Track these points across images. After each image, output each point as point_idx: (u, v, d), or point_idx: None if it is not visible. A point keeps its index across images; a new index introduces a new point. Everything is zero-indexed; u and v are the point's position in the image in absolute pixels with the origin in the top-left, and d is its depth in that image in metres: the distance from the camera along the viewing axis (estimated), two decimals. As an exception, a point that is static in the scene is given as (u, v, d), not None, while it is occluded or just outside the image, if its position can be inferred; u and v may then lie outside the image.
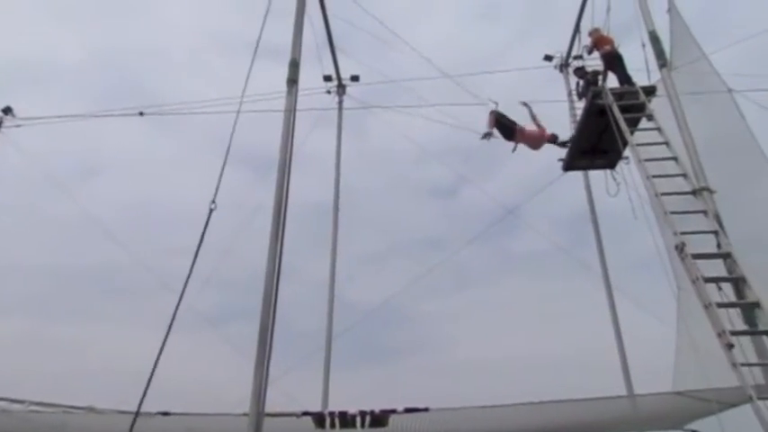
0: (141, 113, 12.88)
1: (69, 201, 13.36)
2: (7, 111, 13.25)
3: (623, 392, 10.27)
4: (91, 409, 8.69)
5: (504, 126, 10.46)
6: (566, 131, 11.91)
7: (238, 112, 7.91)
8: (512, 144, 10.59)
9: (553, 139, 10.55)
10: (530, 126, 10.58)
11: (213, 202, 7.13)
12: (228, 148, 7.69)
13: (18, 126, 13.15)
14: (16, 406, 8.50)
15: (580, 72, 10.69)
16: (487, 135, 10.31)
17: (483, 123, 10.43)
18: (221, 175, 7.35)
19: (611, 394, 8.66)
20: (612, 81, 9.68)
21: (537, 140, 10.52)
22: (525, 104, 10.64)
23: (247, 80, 8.27)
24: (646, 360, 11.42)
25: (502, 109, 10.58)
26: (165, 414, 8.03)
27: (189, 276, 6.71)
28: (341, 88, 13.52)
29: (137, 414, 6.26)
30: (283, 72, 8.68)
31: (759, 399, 5.18)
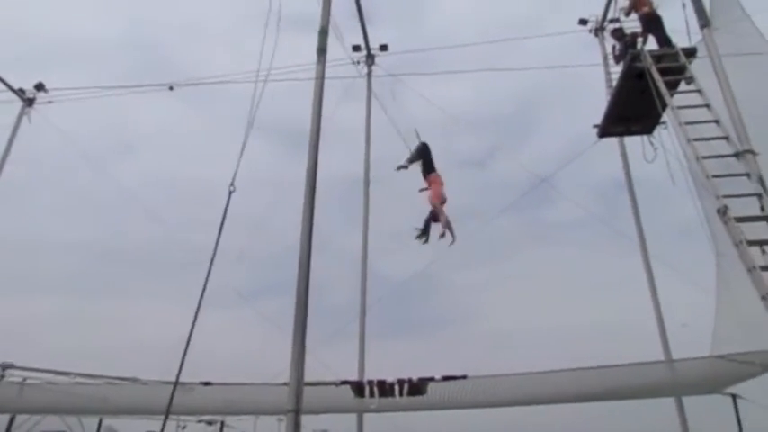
0: (171, 88, 13.01)
1: (105, 177, 13.59)
2: (40, 87, 13.25)
3: (661, 358, 10.20)
4: (135, 380, 8.97)
5: (427, 163, 9.38)
6: (601, 98, 11.72)
7: (264, 81, 7.84)
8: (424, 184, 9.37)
9: (435, 216, 8.88)
10: (438, 189, 9.08)
11: (232, 184, 6.93)
12: (250, 123, 7.57)
13: (50, 102, 13.20)
14: (62, 378, 8.77)
15: (618, 34, 10.38)
16: (403, 167, 9.50)
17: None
18: (240, 157, 7.12)
19: (648, 359, 8.66)
20: (651, 44, 9.40)
21: (435, 196, 9.00)
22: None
23: (273, 51, 8.21)
24: (684, 328, 11.31)
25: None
26: (207, 384, 8.28)
27: (213, 257, 6.67)
28: (369, 58, 13.46)
29: (176, 383, 6.39)
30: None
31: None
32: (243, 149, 7.26)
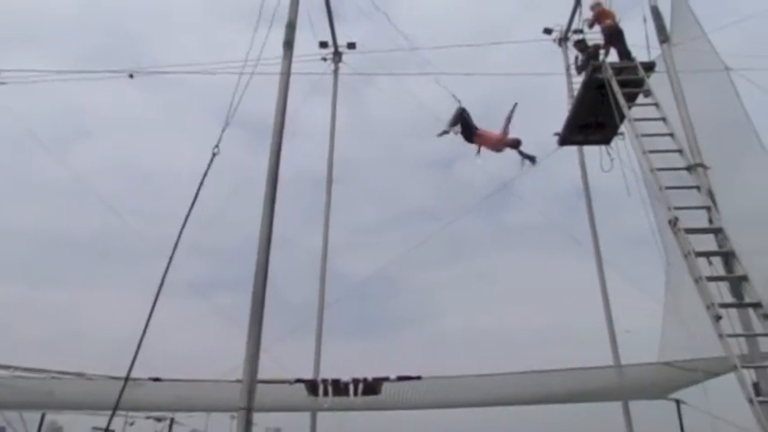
0: (131, 75, 12.55)
1: (58, 162, 13.03)
2: None
3: (611, 363, 10.47)
4: (80, 375, 8.60)
5: (466, 127, 9.88)
6: (563, 106, 11.93)
7: (240, 74, 7.70)
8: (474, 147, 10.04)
9: (515, 144, 9.87)
10: (489, 129, 9.94)
11: (217, 146, 6.84)
12: (230, 106, 7.38)
13: (2, 84, 12.31)
14: (1, 372, 8.38)
15: (581, 45, 10.59)
16: (444, 133, 9.90)
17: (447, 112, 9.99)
18: (227, 121, 7.11)
19: (598, 364, 8.88)
20: (612, 56, 9.61)
21: (496, 144, 9.85)
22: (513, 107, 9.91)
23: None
24: (633, 333, 11.64)
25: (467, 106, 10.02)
26: (157, 380, 8.06)
27: (184, 225, 6.48)
28: (337, 55, 13.37)
29: (126, 379, 6.18)
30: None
31: (743, 367, 5.33)
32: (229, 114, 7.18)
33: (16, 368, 8.38)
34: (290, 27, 8.57)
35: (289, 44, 8.43)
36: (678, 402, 9.35)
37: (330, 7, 12.40)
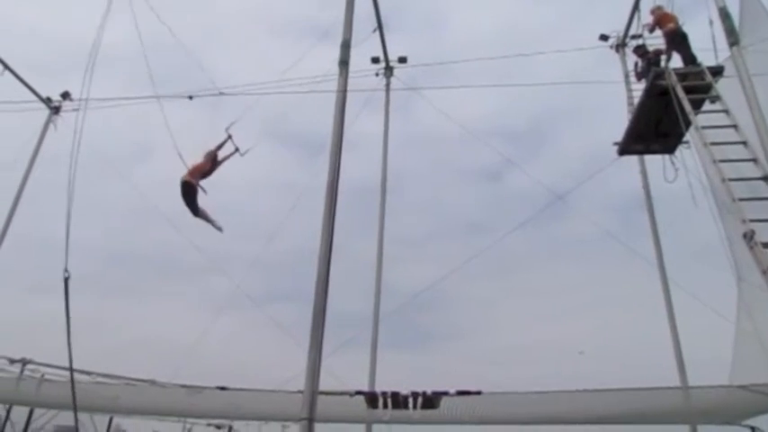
0: (191, 97, 13.11)
1: (125, 182, 13.72)
2: (65, 96, 13.82)
3: (676, 383, 10.02)
4: (153, 383, 9.01)
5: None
6: (621, 115, 11.63)
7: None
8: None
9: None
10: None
11: (66, 270, 6.28)
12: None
13: (76, 110, 13.66)
14: (83, 377, 8.84)
15: (641, 51, 10.30)
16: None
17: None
18: (67, 240, 6.60)
19: (663, 384, 8.50)
20: (675, 62, 9.30)
21: (202, 171, 9.91)
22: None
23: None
24: (700, 351, 11.11)
25: None
26: (223, 389, 8.26)
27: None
28: (388, 70, 13.51)
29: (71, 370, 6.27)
30: (328, 54, 8.82)
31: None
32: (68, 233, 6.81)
33: (96, 374, 8.86)
34: (345, 46, 8.75)
35: (344, 63, 8.61)
36: (754, 429, 8.77)
37: (381, 23, 12.54)
